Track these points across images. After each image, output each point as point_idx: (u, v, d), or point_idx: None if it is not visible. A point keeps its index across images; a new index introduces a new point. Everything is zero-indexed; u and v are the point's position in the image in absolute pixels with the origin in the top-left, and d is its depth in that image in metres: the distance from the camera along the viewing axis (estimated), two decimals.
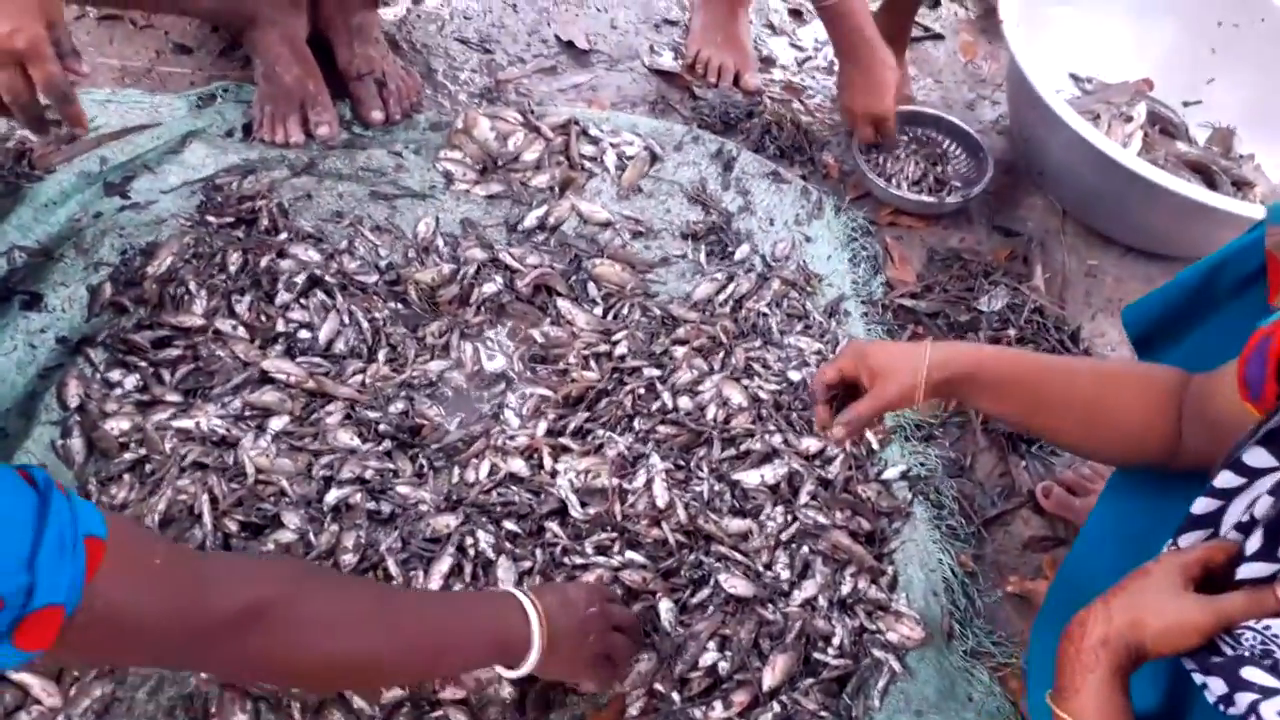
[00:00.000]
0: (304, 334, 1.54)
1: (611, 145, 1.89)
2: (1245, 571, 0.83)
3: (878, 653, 1.35)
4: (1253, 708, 0.74)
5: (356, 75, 1.84)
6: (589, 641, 1.16)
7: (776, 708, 1.28)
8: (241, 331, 1.51)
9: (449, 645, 1.06)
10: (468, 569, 1.33)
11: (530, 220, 1.76)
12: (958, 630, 1.42)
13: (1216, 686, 0.78)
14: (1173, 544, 0.91)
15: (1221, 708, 0.77)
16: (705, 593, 1.36)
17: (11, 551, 0.71)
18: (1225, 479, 0.85)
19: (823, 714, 1.29)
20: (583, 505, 1.41)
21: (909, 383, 1.11)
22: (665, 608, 1.32)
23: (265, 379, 1.47)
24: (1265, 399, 0.87)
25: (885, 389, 1.13)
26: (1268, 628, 0.78)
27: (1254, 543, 0.82)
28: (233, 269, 1.58)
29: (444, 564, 1.32)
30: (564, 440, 1.49)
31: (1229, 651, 0.80)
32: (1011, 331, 1.72)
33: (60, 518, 0.75)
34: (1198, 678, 0.80)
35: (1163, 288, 1.17)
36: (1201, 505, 0.88)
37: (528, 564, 1.35)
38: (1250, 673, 0.76)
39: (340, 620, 0.96)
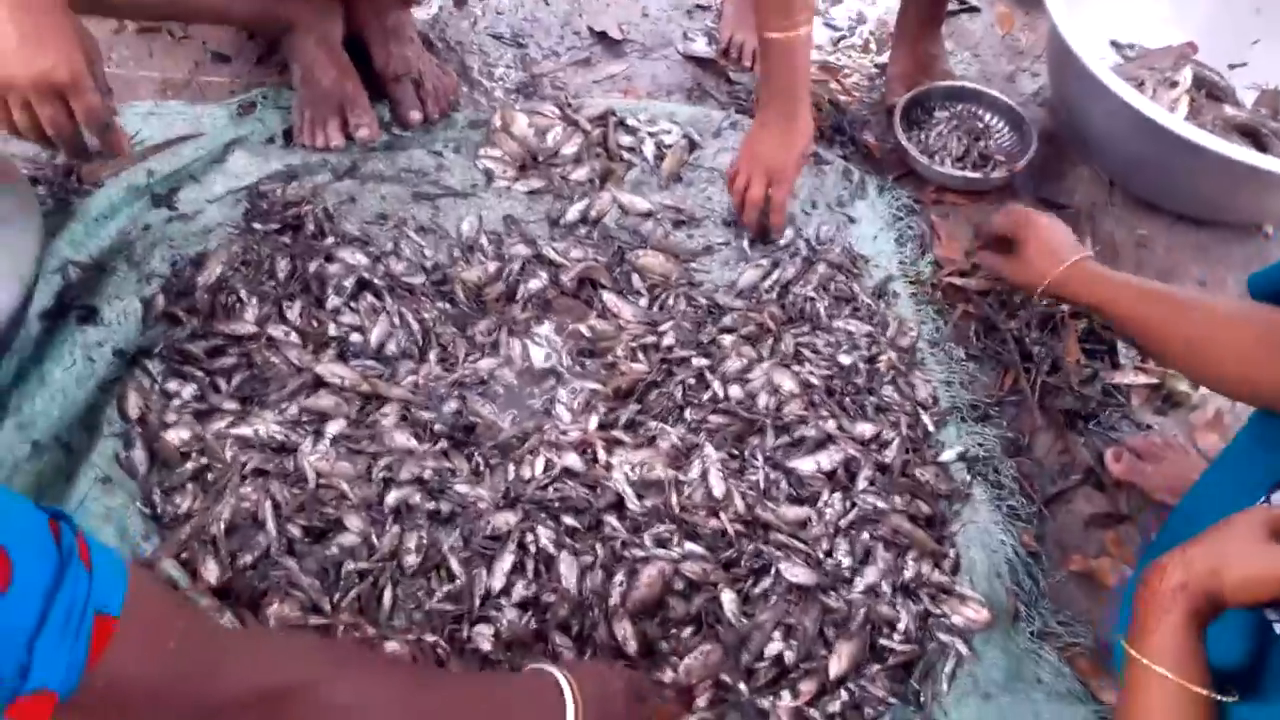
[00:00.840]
0: (356, 337, 1.55)
1: (649, 135, 1.88)
2: None
3: (943, 636, 1.34)
4: None
5: (394, 76, 1.84)
6: None
7: (844, 695, 1.28)
8: (294, 337, 1.52)
9: None
10: (529, 566, 1.33)
11: (572, 214, 1.75)
12: (1023, 611, 1.40)
13: None
14: (1265, 500, 0.90)
15: None
16: (767, 582, 1.35)
17: (17, 625, 0.68)
18: None
19: (890, 700, 1.29)
20: (639, 498, 1.41)
21: (1038, 278, 1.37)
22: (728, 599, 1.32)
23: (320, 383, 1.48)
24: None
25: (1018, 273, 1.42)
26: None
27: None
28: (282, 275, 1.59)
29: (506, 561, 1.33)
30: (616, 433, 1.48)
31: None
32: (1064, 306, 1.69)
33: (73, 590, 0.72)
34: (1279, 627, 0.80)
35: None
36: None
37: (589, 558, 1.35)
38: None
39: (367, 713, 0.91)
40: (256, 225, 1.67)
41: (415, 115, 1.84)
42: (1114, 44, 2.17)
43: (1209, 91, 2.03)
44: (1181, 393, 1.64)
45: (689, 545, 1.37)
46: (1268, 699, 0.86)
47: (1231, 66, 2.11)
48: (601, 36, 2.13)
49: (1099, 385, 1.63)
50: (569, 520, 1.38)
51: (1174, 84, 1.96)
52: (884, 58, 2.14)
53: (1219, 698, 0.87)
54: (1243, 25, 2.10)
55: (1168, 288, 1.29)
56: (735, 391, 1.55)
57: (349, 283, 1.58)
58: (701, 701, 1.27)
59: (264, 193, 1.72)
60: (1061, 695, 1.34)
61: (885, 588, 1.37)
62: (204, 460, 1.39)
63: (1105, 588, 1.45)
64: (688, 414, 1.52)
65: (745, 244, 1.76)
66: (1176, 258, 1.85)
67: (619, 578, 1.32)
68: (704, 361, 1.58)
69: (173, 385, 1.46)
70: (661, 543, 1.37)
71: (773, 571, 1.36)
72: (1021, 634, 1.38)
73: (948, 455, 1.53)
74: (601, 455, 1.46)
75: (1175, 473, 1.49)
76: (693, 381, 1.56)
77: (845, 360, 1.60)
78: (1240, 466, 1.13)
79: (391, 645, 1.25)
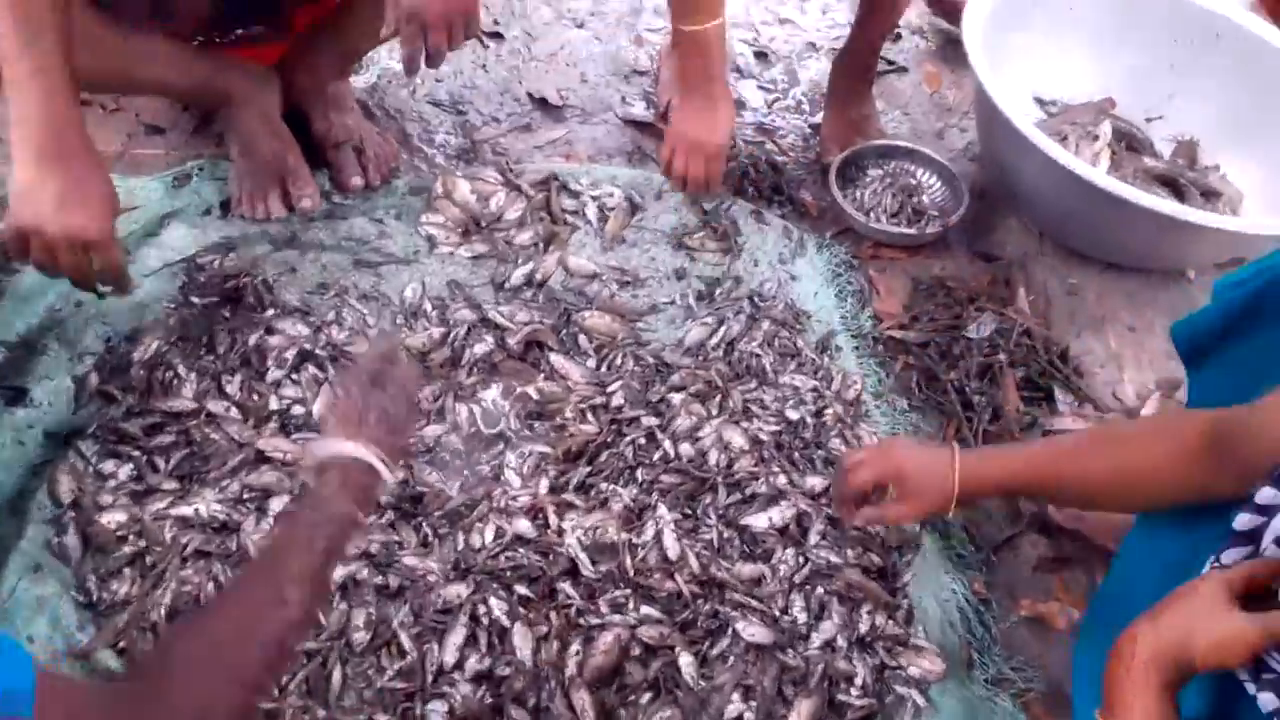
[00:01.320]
0: (298, 410, 1.52)
1: (592, 198, 1.90)
2: None
3: (900, 689, 1.34)
4: None
5: (334, 144, 1.84)
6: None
7: None
8: (234, 412, 1.49)
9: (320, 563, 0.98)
10: (483, 638, 1.31)
11: (517, 278, 1.76)
12: (976, 659, 1.41)
13: (1268, 701, 0.80)
14: (1215, 561, 0.92)
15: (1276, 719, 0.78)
16: (724, 643, 1.34)
17: None
18: (1267, 495, 0.87)
19: None
20: (593, 562, 1.40)
21: (940, 502, 1.24)
22: (686, 662, 1.30)
23: (262, 459, 1.45)
24: None
25: (917, 507, 1.27)
26: None
27: None
28: (221, 349, 1.57)
29: (458, 635, 1.30)
30: (568, 496, 1.47)
31: (1278, 667, 0.81)
32: (1002, 356, 1.73)
33: None
34: (1250, 688, 0.81)
35: (1211, 304, 1.19)
36: (1243, 521, 0.90)
37: (543, 628, 1.33)
38: None
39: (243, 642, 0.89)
40: (194, 299, 1.64)
41: (357, 180, 1.84)
42: (1037, 99, 2.25)
43: (1128, 144, 2.12)
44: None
45: (645, 609, 1.36)
46: None
47: (1149, 119, 2.20)
48: (541, 102, 2.16)
49: (1039, 431, 1.67)
50: (522, 589, 1.36)
51: (1095, 138, 2.05)
52: (818, 118, 2.19)
53: None
54: (1159, 80, 2.19)
55: (1047, 440, 1.30)
56: (686, 450, 1.55)
57: (290, 354, 1.56)
58: None
59: (201, 265, 1.69)
60: None
61: (841, 642, 1.36)
62: (142, 543, 1.34)
63: (1055, 630, 1.47)
64: (639, 474, 1.52)
65: (692, 300, 1.78)
66: (1107, 305, 1.91)
67: (575, 647, 1.30)
68: (654, 420, 1.58)
69: (108, 466, 1.42)
70: (617, 608, 1.36)
71: (729, 631, 1.35)
72: (976, 681, 1.39)
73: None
74: (553, 520, 1.45)
75: (1115, 519, 1.52)
76: (643, 441, 1.56)
77: (793, 415, 1.62)
78: (1160, 539, 1.15)
79: None
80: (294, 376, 1.55)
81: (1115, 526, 1.51)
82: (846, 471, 1.32)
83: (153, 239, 1.72)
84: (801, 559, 1.44)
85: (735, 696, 1.29)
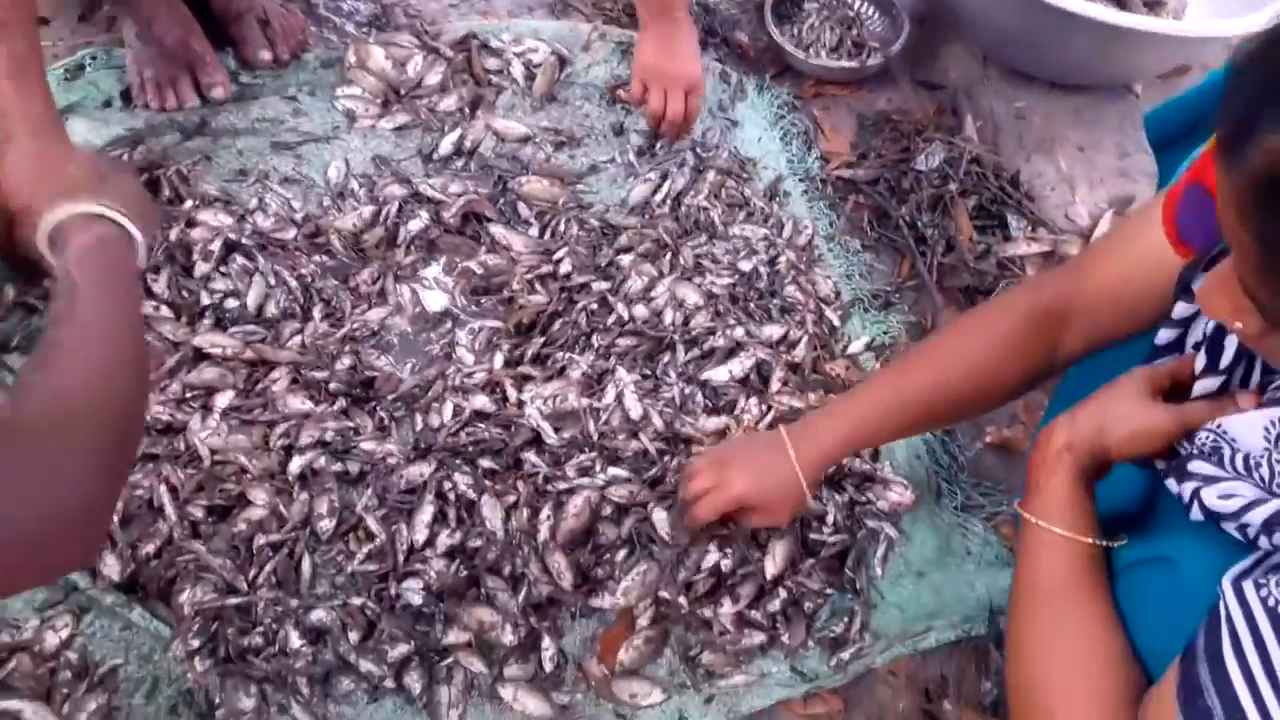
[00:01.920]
0: (231, 303, 1.45)
1: (516, 55, 1.79)
2: (1198, 389, 0.89)
3: (871, 523, 1.36)
4: (1194, 494, 0.80)
5: (235, 16, 1.71)
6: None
7: (783, 594, 1.28)
8: (165, 311, 1.42)
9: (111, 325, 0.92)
10: (451, 514, 1.29)
11: (445, 147, 1.67)
12: (945, 488, 1.43)
13: (1171, 484, 0.84)
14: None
15: (1182, 501, 0.82)
16: None
17: None
18: (1180, 309, 0.90)
19: (828, 591, 1.30)
20: (556, 431, 1.38)
21: (796, 506, 1.19)
22: (659, 518, 1.29)
23: (200, 356, 1.39)
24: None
25: (774, 518, 1.21)
26: (1219, 425, 0.83)
27: (1200, 361, 0.88)
28: None
29: (426, 513, 1.28)
30: (525, 369, 1.44)
31: (1183, 453, 0.85)
32: (952, 186, 1.70)
33: None
34: (1171, 484, 0.84)
35: (1184, 93, 1.18)
36: (1164, 336, 0.93)
37: (511, 498, 1.31)
38: (1196, 465, 0.82)
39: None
40: None
41: (264, 55, 1.72)
42: None
43: None
44: (1073, 257, 1.68)
45: (613, 470, 1.34)
46: (1153, 537, 0.90)
47: None
48: None
49: (994, 259, 1.65)
50: (486, 463, 1.34)
51: None
52: None
53: (1106, 544, 0.92)
54: None
55: (880, 374, 1.23)
56: (640, 311, 1.51)
57: (215, 246, 1.48)
58: (644, 620, 1.26)
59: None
60: (991, 563, 1.37)
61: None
62: None
63: (1020, 454, 1.48)
64: (595, 340, 1.48)
65: (632, 156, 1.71)
66: (1055, 126, 1.88)
67: (545, 512, 1.29)
68: (605, 285, 1.53)
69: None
70: (584, 471, 1.34)
71: None
72: (946, 510, 1.41)
73: (855, 347, 1.53)
74: (511, 393, 1.41)
75: None
76: (596, 307, 1.52)
77: (745, 266, 1.58)
78: (1091, 373, 1.16)
79: (318, 613, 1.20)
80: (222, 269, 1.48)
81: None
82: (689, 508, 1.23)
83: None
84: (765, 407, 1.43)
85: (711, 546, 1.29)
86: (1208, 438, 0.84)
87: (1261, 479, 0.78)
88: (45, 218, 0.99)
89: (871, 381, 1.20)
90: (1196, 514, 0.80)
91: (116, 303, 0.95)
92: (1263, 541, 0.76)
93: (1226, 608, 0.70)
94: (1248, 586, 0.70)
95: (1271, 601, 0.69)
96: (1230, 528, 0.78)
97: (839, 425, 1.16)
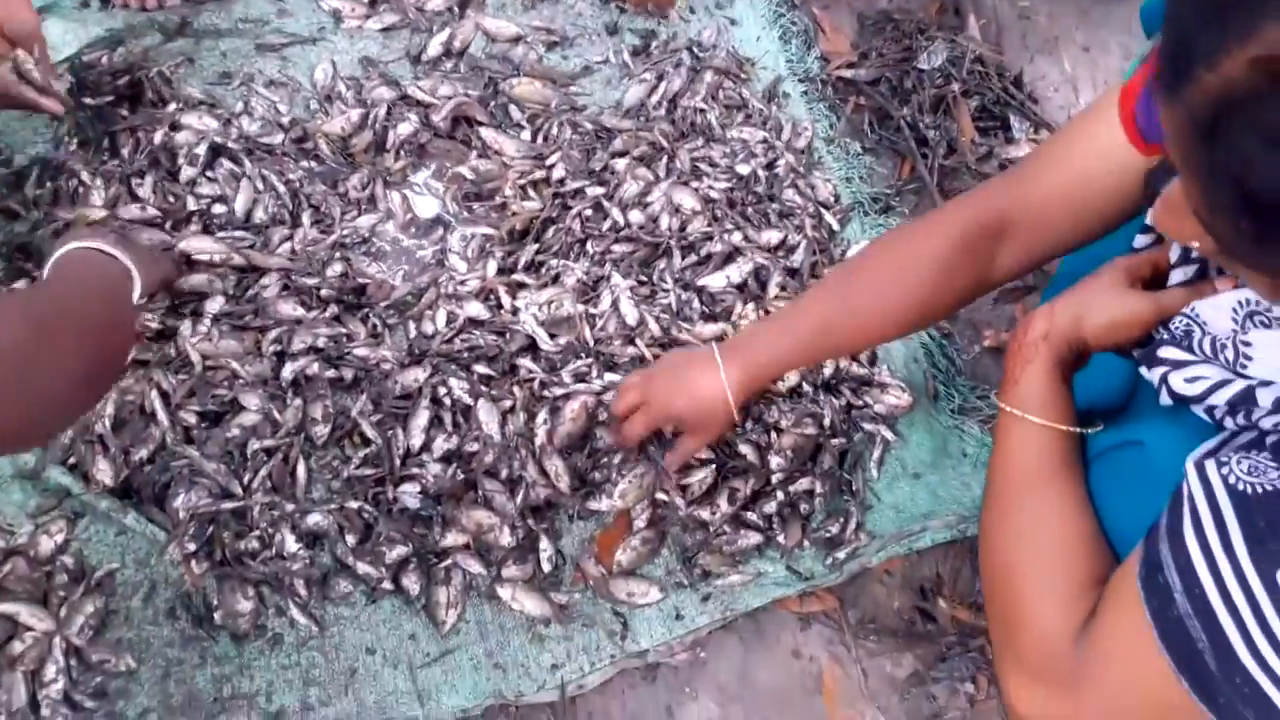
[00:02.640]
0: (219, 208, 1.42)
1: None
2: (1175, 276, 0.88)
3: (868, 425, 1.35)
4: (1163, 379, 0.81)
5: None
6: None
7: (780, 495, 1.28)
8: (151, 211, 1.39)
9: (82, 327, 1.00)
10: (447, 419, 1.28)
11: (434, 48, 1.62)
12: (942, 391, 1.42)
13: (1143, 371, 0.84)
14: (1130, 251, 0.93)
15: (1154, 386, 0.83)
16: None
17: None
18: (1153, 214, 0.87)
19: (823, 492, 1.30)
20: (551, 337, 1.36)
21: (724, 422, 1.17)
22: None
23: (188, 261, 1.36)
24: None
25: (705, 434, 1.19)
26: (1193, 308, 0.83)
27: (1175, 250, 0.88)
28: (125, 151, 1.44)
29: (421, 418, 1.27)
30: (518, 276, 1.42)
31: (1157, 339, 0.85)
32: (954, 86, 1.65)
33: None
34: (1144, 372, 0.85)
35: None
36: (1140, 240, 0.93)
37: (508, 403, 1.30)
38: (1166, 351, 0.82)
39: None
40: (87, 100, 1.49)
41: None
42: None
43: None
44: (1013, 166, 1.64)
45: (609, 376, 1.34)
46: (1127, 423, 0.92)
47: None
48: None
49: (996, 161, 1.62)
50: (481, 369, 1.33)
51: None
52: None
53: (1082, 430, 0.92)
54: None
55: (816, 290, 1.17)
56: (636, 216, 1.49)
57: (201, 150, 1.44)
58: (641, 522, 1.26)
59: (89, 63, 1.52)
60: (986, 464, 1.37)
61: (807, 387, 1.36)
62: None
63: None
64: (590, 246, 1.46)
65: (627, 56, 1.66)
66: (1059, 25, 1.83)
67: (542, 416, 1.28)
68: (599, 190, 1.50)
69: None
70: (580, 377, 1.33)
71: None
72: (943, 412, 1.40)
73: (854, 251, 1.51)
74: (506, 300, 1.40)
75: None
76: (590, 212, 1.49)
77: (743, 170, 1.55)
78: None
79: (314, 517, 1.20)
80: (209, 174, 1.44)
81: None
82: (619, 424, 1.23)
83: None
84: (762, 312, 1.41)
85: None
86: (1180, 322, 0.84)
87: (1226, 360, 0.78)
88: (51, 257, 1.10)
89: (803, 302, 1.16)
90: (1165, 399, 0.81)
91: (65, 293, 1.04)
92: (1228, 422, 0.76)
93: (1189, 487, 0.71)
94: (1209, 465, 0.71)
95: (1232, 479, 0.69)
96: (1199, 410, 0.79)
97: (770, 347, 1.14)
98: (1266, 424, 0.74)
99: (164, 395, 1.25)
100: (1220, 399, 0.76)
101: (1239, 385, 0.75)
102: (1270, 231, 0.57)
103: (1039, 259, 1.05)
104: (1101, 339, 0.91)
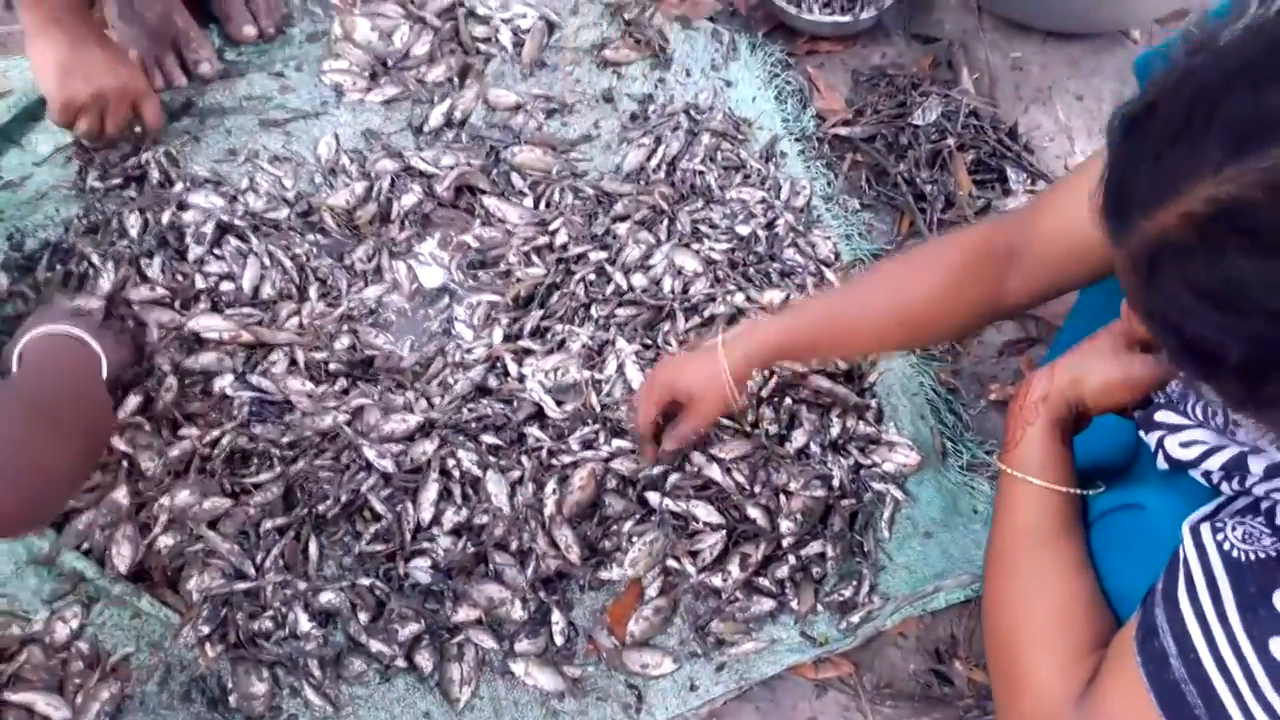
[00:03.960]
0: (227, 285, 1.44)
1: (504, 21, 1.76)
2: None
3: (877, 485, 1.35)
4: (1159, 443, 0.81)
5: None
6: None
7: (791, 559, 1.28)
8: (160, 291, 1.40)
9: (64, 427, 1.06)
10: (456, 491, 1.29)
11: (435, 118, 1.64)
12: (950, 448, 1.42)
13: (1142, 434, 0.85)
14: None
15: (1151, 450, 0.84)
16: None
17: None
18: None
19: (835, 554, 1.30)
20: (558, 404, 1.37)
21: (721, 399, 1.17)
22: (654, 498, 1.29)
23: (198, 340, 1.38)
24: None
25: (702, 410, 1.19)
26: None
27: None
28: (134, 232, 1.46)
29: (431, 491, 1.28)
30: (524, 343, 1.43)
31: (1156, 402, 0.86)
32: (950, 140, 1.67)
33: None
34: (1144, 436, 0.85)
35: (1175, 35, 1.15)
36: None
37: (516, 473, 1.31)
38: (1163, 415, 0.83)
39: None
40: (95, 183, 1.52)
41: (249, 30, 1.68)
42: None
43: None
44: (1032, 198, 1.65)
45: (617, 442, 1.34)
46: (1127, 485, 0.93)
47: None
48: None
49: (994, 214, 1.63)
50: (489, 439, 1.33)
51: None
52: None
53: (1082, 493, 0.93)
54: None
55: (828, 291, 1.20)
56: (639, 280, 1.50)
57: (208, 228, 1.46)
58: (652, 591, 1.26)
59: (96, 146, 1.56)
60: None
61: (815, 448, 1.36)
62: None
63: None
64: (594, 311, 1.47)
65: (625, 121, 1.68)
66: (1052, 75, 1.85)
67: (550, 486, 1.29)
68: (602, 254, 1.52)
69: None
70: (588, 444, 1.34)
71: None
72: (952, 469, 1.40)
73: None
74: (512, 368, 1.41)
75: (1069, 300, 1.52)
76: (594, 277, 1.50)
77: (743, 230, 1.56)
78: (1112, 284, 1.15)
79: (327, 595, 1.20)
80: (216, 251, 1.46)
81: (1066, 304, 1.51)
82: (637, 414, 1.26)
83: (37, 123, 1.58)
84: (767, 373, 1.41)
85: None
86: (1177, 386, 0.85)
87: (1218, 425, 0.79)
88: (18, 343, 1.16)
89: (813, 299, 1.19)
90: (1162, 462, 0.82)
91: (40, 383, 1.11)
92: (1224, 487, 0.77)
93: (1184, 551, 0.71)
94: (1205, 530, 0.71)
95: (1227, 545, 0.69)
96: (1195, 474, 0.79)
97: (771, 333, 1.16)
98: (1259, 490, 0.74)
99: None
100: (1214, 464, 0.77)
101: (1232, 451, 0.76)
102: (1212, 372, 0.59)
103: (1047, 294, 1.06)
104: (1100, 401, 0.92)
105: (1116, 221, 0.61)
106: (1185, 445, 0.80)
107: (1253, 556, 0.68)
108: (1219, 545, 0.70)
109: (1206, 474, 0.78)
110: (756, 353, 1.16)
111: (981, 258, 1.05)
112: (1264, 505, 0.74)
